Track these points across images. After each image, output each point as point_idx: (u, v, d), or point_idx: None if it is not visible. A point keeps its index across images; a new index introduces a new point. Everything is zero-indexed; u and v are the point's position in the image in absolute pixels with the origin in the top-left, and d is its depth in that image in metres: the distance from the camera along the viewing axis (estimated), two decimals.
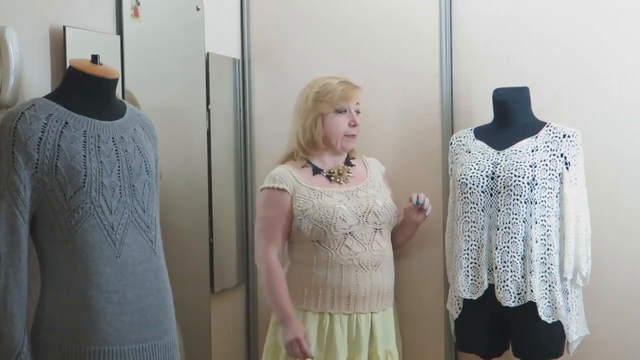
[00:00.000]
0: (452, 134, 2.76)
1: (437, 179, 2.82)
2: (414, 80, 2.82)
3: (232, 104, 3.06)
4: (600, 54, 2.61)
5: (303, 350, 2.37)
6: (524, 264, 2.38)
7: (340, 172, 2.55)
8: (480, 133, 2.57)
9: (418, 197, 2.52)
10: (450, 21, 2.79)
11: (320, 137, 2.49)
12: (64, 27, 2.07)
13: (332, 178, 2.53)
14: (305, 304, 2.46)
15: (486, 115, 2.63)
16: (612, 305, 2.64)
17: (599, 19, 2.61)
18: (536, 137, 2.44)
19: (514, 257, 2.38)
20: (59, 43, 2.06)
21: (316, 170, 2.53)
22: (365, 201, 2.49)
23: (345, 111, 2.49)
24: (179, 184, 2.62)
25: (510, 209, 2.39)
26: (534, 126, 2.47)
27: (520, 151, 2.42)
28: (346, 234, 2.44)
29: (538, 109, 2.53)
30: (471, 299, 2.48)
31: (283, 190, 2.47)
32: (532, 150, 2.41)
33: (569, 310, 2.42)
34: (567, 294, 2.42)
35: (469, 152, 2.54)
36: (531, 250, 2.37)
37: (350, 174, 2.56)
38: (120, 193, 1.88)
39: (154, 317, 1.92)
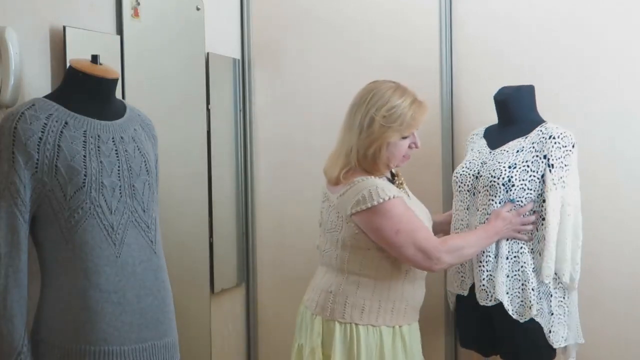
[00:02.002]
0: (452, 134, 2.77)
1: (437, 179, 2.82)
2: (414, 80, 2.80)
3: (232, 104, 3.06)
4: (600, 54, 2.61)
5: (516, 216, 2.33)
6: (496, 262, 2.39)
7: (402, 182, 2.43)
8: (488, 131, 2.57)
9: None
10: (450, 21, 2.79)
11: (382, 162, 2.27)
12: (64, 27, 2.07)
13: (401, 190, 2.38)
14: (381, 319, 2.30)
15: (486, 115, 2.63)
16: (611, 308, 2.63)
17: (599, 19, 2.61)
18: (526, 138, 2.41)
19: (489, 256, 2.38)
20: (59, 43, 2.06)
21: (391, 182, 2.37)
22: (425, 210, 2.43)
23: (409, 136, 2.30)
24: (179, 184, 2.62)
25: (486, 209, 2.38)
26: (530, 126, 2.44)
27: (507, 151, 2.41)
28: None
29: (538, 109, 2.53)
30: (462, 295, 2.50)
31: (399, 197, 2.24)
32: (518, 151, 2.39)
33: (552, 314, 2.35)
34: (550, 296, 2.36)
35: (472, 150, 2.55)
36: (500, 249, 2.38)
37: (402, 182, 2.45)
38: (120, 193, 1.88)
39: (153, 317, 1.92)
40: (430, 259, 2.23)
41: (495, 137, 2.51)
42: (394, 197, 2.21)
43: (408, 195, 2.43)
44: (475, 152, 2.52)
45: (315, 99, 3.03)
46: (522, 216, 2.35)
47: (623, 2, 2.59)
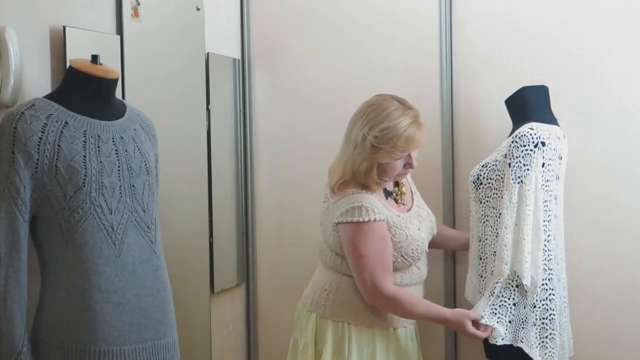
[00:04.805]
0: (452, 134, 2.77)
1: (437, 179, 2.82)
2: (414, 80, 2.82)
3: (232, 104, 3.06)
4: (600, 54, 2.61)
5: (475, 328, 2.25)
6: (471, 263, 2.45)
7: (403, 191, 2.40)
8: None
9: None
10: (450, 21, 2.79)
11: (372, 180, 2.25)
12: (64, 27, 2.07)
13: (398, 200, 2.38)
14: (375, 321, 2.31)
15: (487, 116, 2.63)
16: (608, 310, 2.63)
17: (599, 19, 2.61)
18: (508, 137, 2.40)
19: (471, 258, 2.44)
20: (59, 43, 2.06)
21: (388, 194, 2.35)
22: (429, 221, 2.43)
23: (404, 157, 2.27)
24: (179, 184, 2.62)
25: (469, 207, 2.44)
26: (519, 126, 2.39)
27: (497, 151, 2.41)
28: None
29: None
30: None
31: (382, 220, 2.24)
32: (497, 150, 2.40)
33: (494, 313, 2.28)
34: (497, 298, 2.29)
35: None
36: (472, 250, 2.42)
37: (404, 190, 2.43)
38: (120, 193, 1.88)
39: (153, 317, 1.92)
40: (374, 293, 2.25)
41: None
42: (375, 221, 2.22)
43: (411, 203, 2.42)
44: None
45: (315, 99, 3.03)
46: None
47: (623, 2, 2.59)
